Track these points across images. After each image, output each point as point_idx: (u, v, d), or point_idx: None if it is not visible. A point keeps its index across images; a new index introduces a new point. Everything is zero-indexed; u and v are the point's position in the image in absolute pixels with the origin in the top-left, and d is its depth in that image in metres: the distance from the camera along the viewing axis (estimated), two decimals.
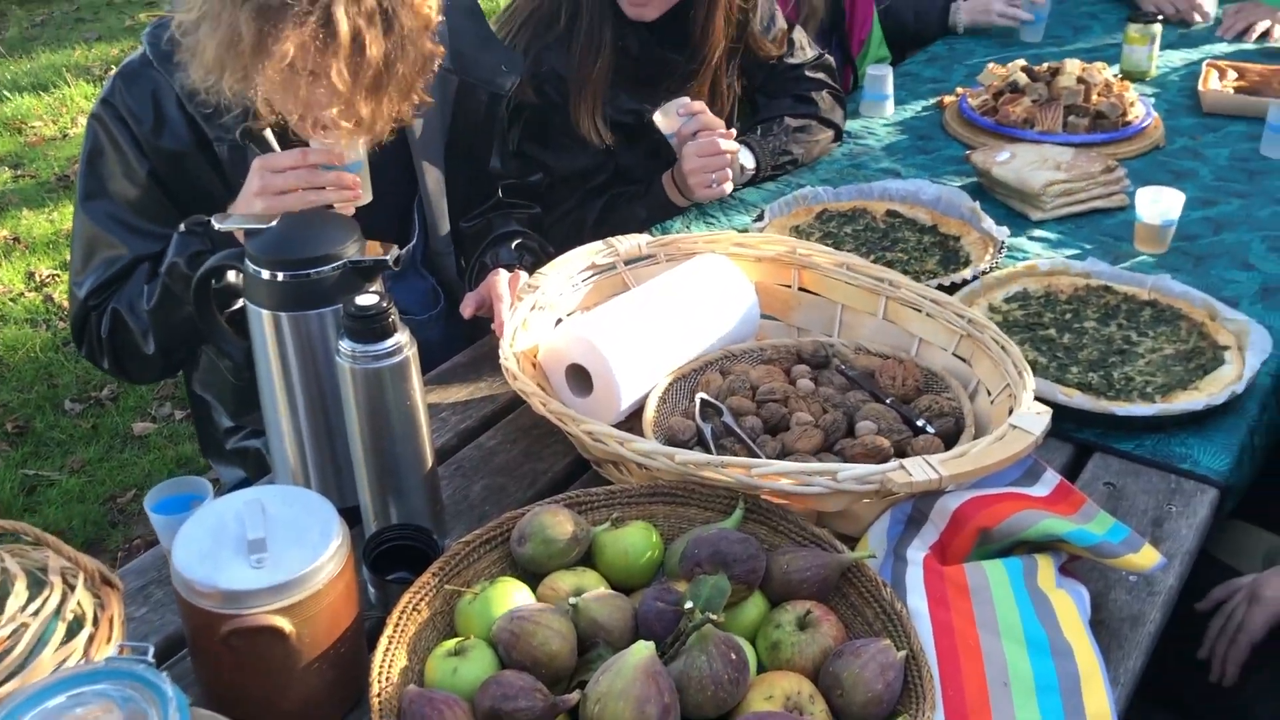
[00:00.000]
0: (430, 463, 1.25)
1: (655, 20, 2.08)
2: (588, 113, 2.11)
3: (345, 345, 1.16)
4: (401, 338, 1.18)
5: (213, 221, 1.31)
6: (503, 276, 1.61)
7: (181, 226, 1.55)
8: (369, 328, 1.15)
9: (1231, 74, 2.57)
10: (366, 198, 1.54)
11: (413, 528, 1.22)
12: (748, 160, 2.18)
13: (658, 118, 2.05)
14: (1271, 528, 1.64)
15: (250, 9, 1.34)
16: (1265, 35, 2.82)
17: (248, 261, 1.24)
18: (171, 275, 1.57)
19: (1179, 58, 2.79)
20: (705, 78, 2.19)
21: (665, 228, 2.09)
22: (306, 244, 1.23)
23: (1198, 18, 2.98)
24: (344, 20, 1.34)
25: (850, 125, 2.46)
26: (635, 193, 2.20)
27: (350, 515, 1.24)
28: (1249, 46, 2.84)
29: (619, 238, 1.67)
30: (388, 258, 1.25)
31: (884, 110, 2.55)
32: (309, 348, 1.25)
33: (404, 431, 1.20)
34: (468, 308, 1.64)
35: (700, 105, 2.05)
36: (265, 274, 1.22)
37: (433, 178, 1.84)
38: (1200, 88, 2.50)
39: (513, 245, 1.88)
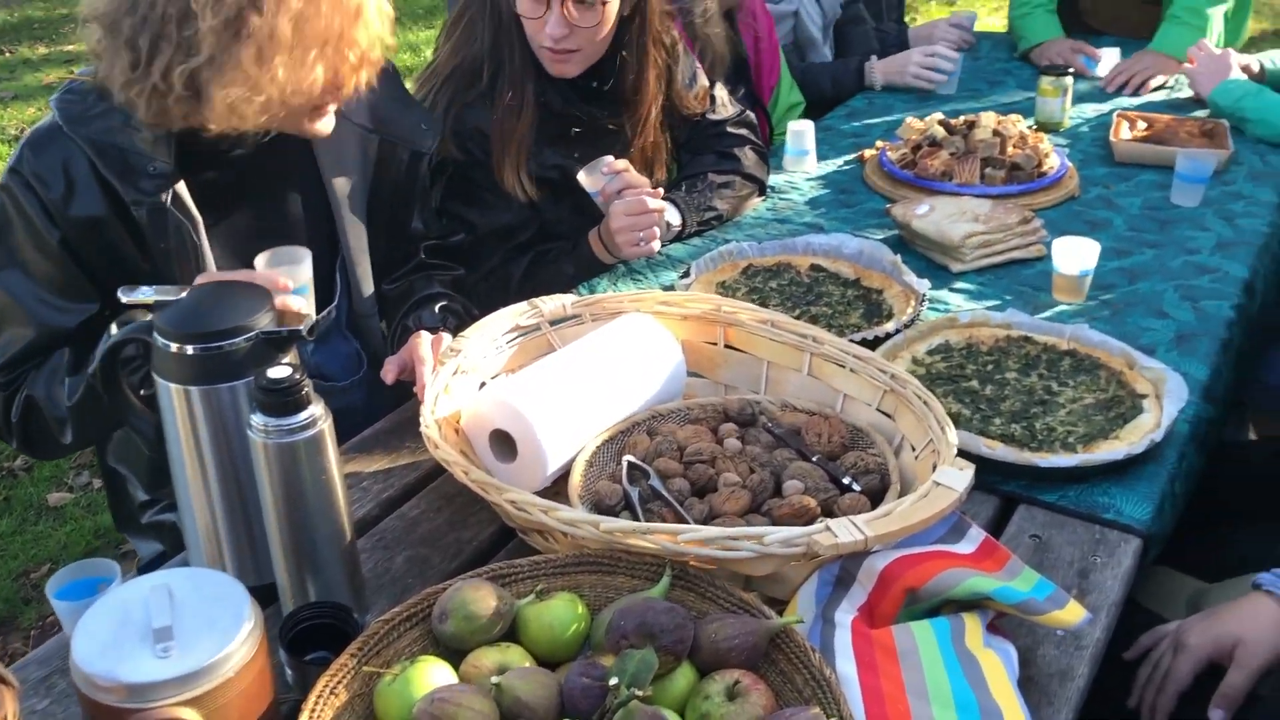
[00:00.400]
0: (349, 536, 1.21)
1: (578, 77, 2.09)
2: (512, 169, 2.10)
3: (257, 419, 1.13)
4: (316, 409, 1.15)
5: (119, 294, 1.27)
6: (425, 339, 1.59)
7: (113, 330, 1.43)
8: (281, 401, 1.12)
9: (1141, 124, 2.65)
10: (311, 319, 1.50)
11: (331, 606, 1.18)
12: (673, 217, 2.18)
13: (582, 176, 2.05)
14: (1193, 572, 1.66)
15: None
16: (1145, 85, 2.90)
17: (156, 335, 1.20)
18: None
19: (1091, 109, 2.87)
20: (645, 135, 2.21)
21: (592, 285, 2.08)
22: (217, 315, 1.20)
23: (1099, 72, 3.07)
24: None
25: (774, 180, 2.49)
26: (562, 250, 2.19)
27: (267, 593, 1.20)
28: (1156, 98, 2.93)
29: (543, 298, 1.66)
30: (301, 328, 1.22)
31: (806, 165, 2.58)
32: (220, 422, 1.22)
33: (320, 506, 1.17)
34: (389, 373, 1.61)
35: (624, 164, 2.06)
36: (174, 347, 1.19)
37: (355, 238, 1.82)
38: (1111, 138, 2.57)
39: (436, 308, 1.87)
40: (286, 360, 1.20)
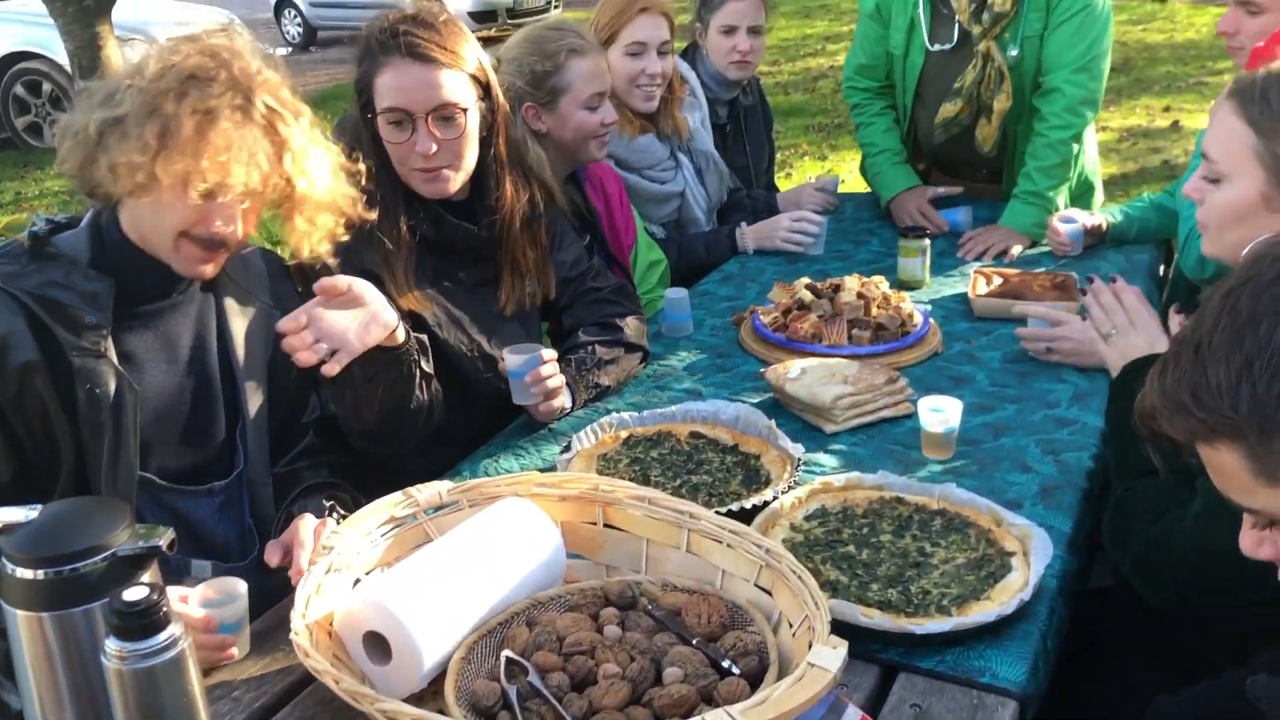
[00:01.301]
0: None
1: (452, 203, 2.16)
2: (408, 300, 2.11)
3: (112, 645, 1.09)
4: (175, 629, 1.11)
5: None
6: (308, 522, 1.62)
7: None
8: (138, 624, 1.09)
9: (996, 279, 2.79)
10: (241, 653, 1.53)
11: None
12: (566, 402, 2.21)
13: (508, 355, 2.13)
14: None
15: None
16: (1003, 254, 3.06)
17: (3, 559, 1.16)
18: None
19: (951, 266, 3.01)
20: (508, 250, 2.25)
21: (475, 464, 2.08)
22: (69, 536, 1.17)
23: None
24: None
25: (652, 346, 2.54)
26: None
27: None
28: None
29: (418, 487, 1.65)
30: (160, 542, 1.20)
31: (684, 330, 2.64)
32: (75, 648, 1.17)
33: None
34: (273, 556, 1.62)
35: (551, 355, 2.14)
36: (22, 572, 1.15)
37: (255, 406, 1.86)
38: (970, 294, 2.70)
39: (323, 498, 1.85)
40: (145, 579, 1.17)
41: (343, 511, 1.77)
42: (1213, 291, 1.04)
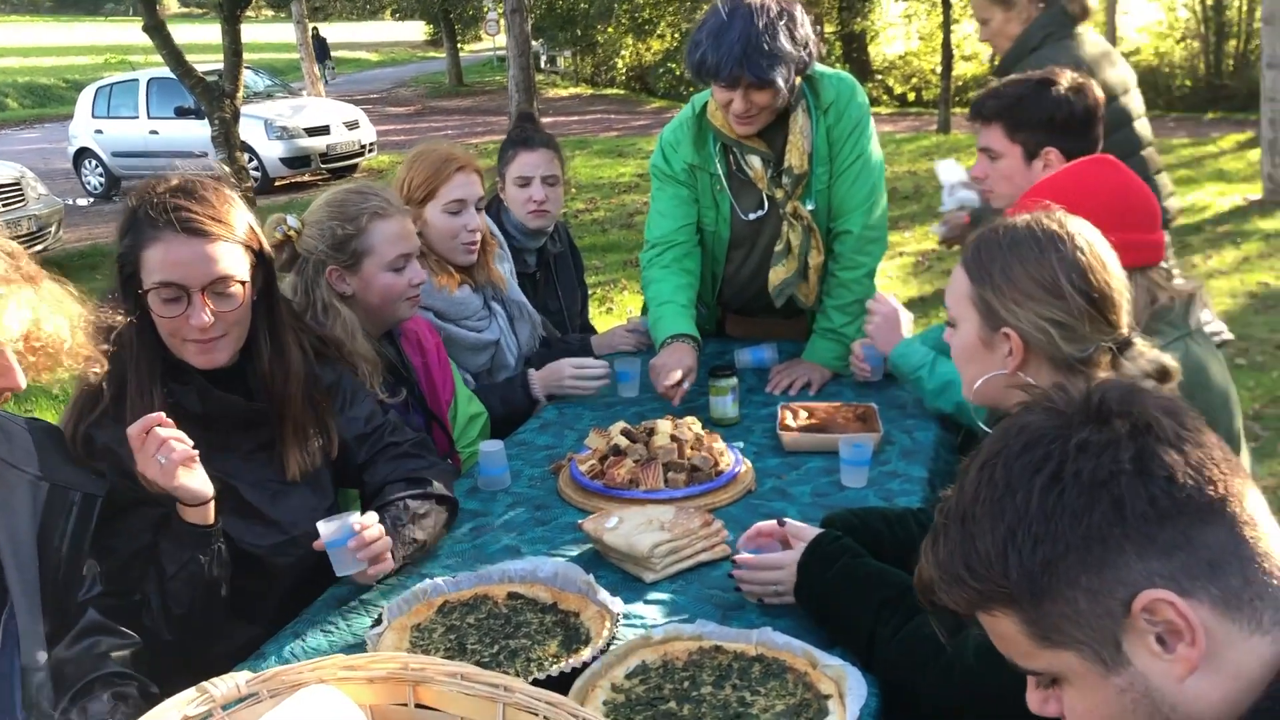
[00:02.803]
0: None
1: (218, 369, 2.09)
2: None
3: None
4: None
5: None
6: None
7: None
8: None
9: (803, 414, 2.88)
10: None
11: None
12: (392, 564, 2.14)
13: (321, 527, 2.04)
14: None
15: None
16: (807, 386, 3.17)
17: None
18: None
19: (760, 402, 3.10)
20: (292, 414, 2.18)
21: (280, 647, 1.98)
22: None
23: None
24: None
25: (469, 504, 2.50)
26: None
27: None
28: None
29: (214, 680, 1.54)
30: None
31: (501, 484, 2.62)
32: None
33: None
34: None
35: (369, 519, 2.06)
36: None
37: (23, 587, 1.73)
38: (778, 430, 2.78)
39: (106, 695, 1.72)
40: None
41: (127, 712, 1.65)
42: (969, 462, 1.11)
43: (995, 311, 1.85)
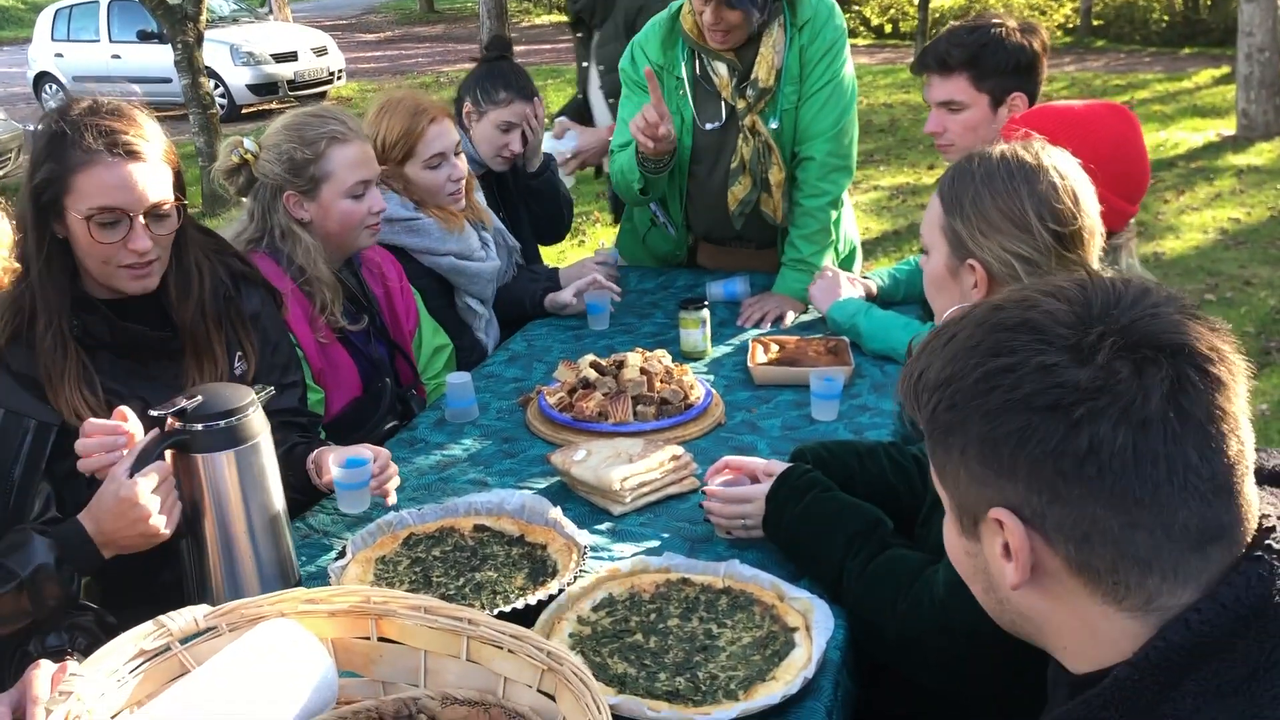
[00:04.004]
0: None
1: (131, 299, 2.04)
2: (76, 406, 1.93)
3: None
4: None
5: None
6: (43, 670, 1.44)
7: None
8: None
9: (774, 347, 2.85)
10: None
11: None
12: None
13: (337, 471, 2.05)
14: None
15: None
16: (779, 320, 3.14)
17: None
18: None
19: (731, 335, 3.07)
20: (187, 345, 2.11)
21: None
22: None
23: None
24: None
25: (436, 436, 2.47)
26: None
27: None
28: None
29: (171, 614, 1.51)
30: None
31: (468, 416, 2.59)
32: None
33: None
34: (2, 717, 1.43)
35: (382, 453, 2.10)
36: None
37: None
38: (749, 363, 2.75)
39: (62, 629, 1.69)
40: None
41: (84, 643, 1.62)
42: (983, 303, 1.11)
43: (963, 242, 1.82)
